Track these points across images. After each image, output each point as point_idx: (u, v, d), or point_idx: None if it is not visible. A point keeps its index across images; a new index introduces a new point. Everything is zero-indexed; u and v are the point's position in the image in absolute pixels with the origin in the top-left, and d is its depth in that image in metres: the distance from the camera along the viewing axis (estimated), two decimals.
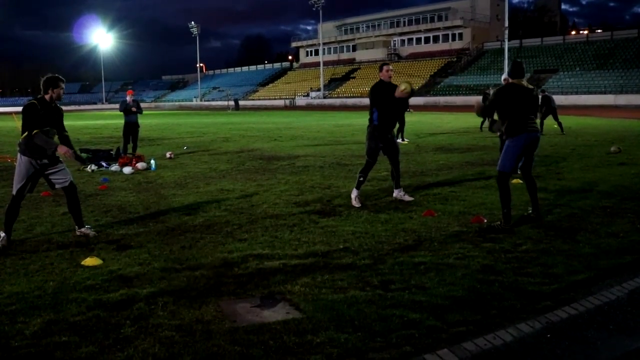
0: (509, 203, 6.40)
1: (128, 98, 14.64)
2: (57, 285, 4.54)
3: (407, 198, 8.08)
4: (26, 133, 5.80)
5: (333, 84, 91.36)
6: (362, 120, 35.93)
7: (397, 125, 19.18)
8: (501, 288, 4.48)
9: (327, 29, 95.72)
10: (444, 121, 32.41)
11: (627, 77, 55.50)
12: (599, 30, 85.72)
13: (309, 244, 5.77)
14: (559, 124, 19.80)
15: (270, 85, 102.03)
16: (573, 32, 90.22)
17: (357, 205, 7.67)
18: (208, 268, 4.95)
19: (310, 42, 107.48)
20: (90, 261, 5.10)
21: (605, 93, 52.66)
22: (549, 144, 16.28)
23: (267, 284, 4.56)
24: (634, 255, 5.31)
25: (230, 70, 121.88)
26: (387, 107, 7.84)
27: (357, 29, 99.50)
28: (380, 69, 8.02)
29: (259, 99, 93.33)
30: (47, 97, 5.92)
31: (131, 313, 3.92)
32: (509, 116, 6.44)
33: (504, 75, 11.03)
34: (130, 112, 14.32)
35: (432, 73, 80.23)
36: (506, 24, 57.46)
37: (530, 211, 6.78)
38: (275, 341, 3.49)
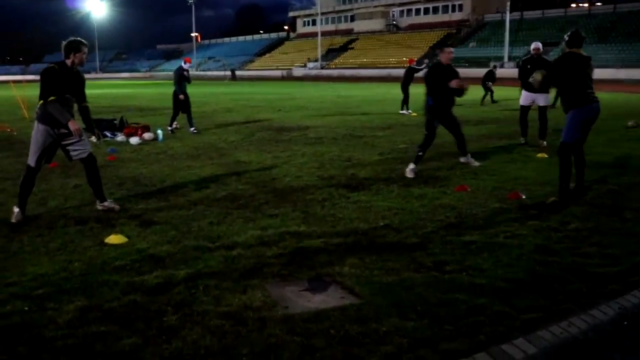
0: (569, 177, 6.09)
1: (185, 65, 13.35)
2: (83, 265, 4.19)
3: (475, 163, 8.42)
4: (42, 101, 5.39)
5: (331, 54, 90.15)
6: (364, 92, 35.45)
7: (402, 97, 18.85)
8: (561, 270, 4.17)
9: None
10: None
11: (629, 51, 54.85)
12: (599, 4, 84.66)
13: (346, 220, 5.43)
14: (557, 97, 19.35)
15: (267, 55, 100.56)
16: (573, 5, 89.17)
17: (410, 176, 7.56)
18: (244, 247, 4.61)
19: (307, 11, 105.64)
20: (114, 239, 4.75)
21: (606, 67, 51.94)
22: (562, 117, 15.91)
23: (311, 264, 4.23)
24: None
25: (226, 40, 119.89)
26: (442, 89, 7.85)
27: None
28: (442, 51, 8.09)
29: (256, 70, 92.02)
30: (68, 62, 5.50)
31: (171, 298, 3.58)
32: (571, 87, 6.05)
33: (533, 45, 10.69)
34: (184, 80, 13.27)
35: (432, 45, 79.14)
36: None
37: (572, 185, 6.42)
38: (336, 330, 3.17)
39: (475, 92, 27.71)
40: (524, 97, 10.95)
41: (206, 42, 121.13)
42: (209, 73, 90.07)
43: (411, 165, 7.76)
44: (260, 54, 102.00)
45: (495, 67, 25.34)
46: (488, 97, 22.46)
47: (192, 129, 13.11)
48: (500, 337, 3.15)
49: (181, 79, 13.12)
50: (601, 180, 7.27)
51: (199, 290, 3.70)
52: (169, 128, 13.19)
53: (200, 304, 3.48)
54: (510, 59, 61.04)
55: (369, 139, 11.91)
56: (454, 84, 7.69)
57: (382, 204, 6.07)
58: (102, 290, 3.70)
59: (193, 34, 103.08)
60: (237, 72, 75.19)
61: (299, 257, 4.39)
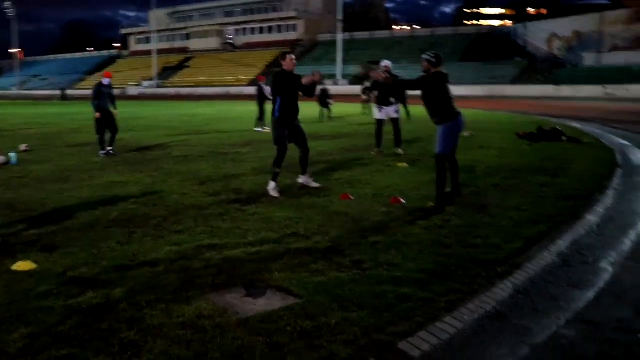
0: (444, 185, 6.72)
1: (105, 81, 12.28)
2: (3, 295, 3.94)
3: (314, 184, 8.07)
4: None
5: (166, 73, 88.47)
6: (207, 110, 35.36)
7: (258, 114, 19.30)
8: (460, 259, 4.78)
9: (158, 17, 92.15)
10: None
11: (447, 69, 60.61)
12: (417, 27, 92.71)
13: (253, 231, 5.63)
14: (407, 112, 21.11)
15: (98, 73, 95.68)
16: (397, 27, 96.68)
17: (276, 196, 7.42)
18: (167, 262, 4.62)
19: (141, 29, 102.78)
20: (23, 265, 4.48)
21: None
22: (406, 130, 17.35)
23: (240, 273, 4.39)
24: (544, 224, 5.95)
25: (52, 57, 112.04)
26: (289, 96, 7.68)
27: (191, 17, 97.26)
28: (284, 58, 7.84)
29: (87, 89, 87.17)
30: None
31: (119, 316, 3.55)
32: (440, 102, 6.75)
33: (384, 63, 11.75)
34: (106, 97, 12.12)
35: (268, 63, 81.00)
36: (340, 17, 59.98)
37: (449, 190, 7.17)
38: (292, 327, 3.41)
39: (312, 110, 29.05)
40: (378, 112, 11.95)
41: (30, 59, 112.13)
42: (35, 92, 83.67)
43: (272, 184, 7.61)
44: (91, 72, 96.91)
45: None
46: (326, 113, 23.47)
47: (110, 148, 12.28)
48: (432, 318, 3.61)
49: (98, 95, 12.11)
50: (462, 184, 8.19)
51: (143, 306, 3.71)
52: (102, 152, 12.21)
53: (152, 318, 3.50)
54: (343, 77, 64.48)
55: (234, 155, 12.12)
56: (306, 80, 7.52)
57: (279, 215, 6.35)
58: (40, 316, 3.54)
59: (14, 50, 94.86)
60: (68, 92, 70.69)
61: (225, 267, 4.53)
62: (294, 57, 7.94)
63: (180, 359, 3.02)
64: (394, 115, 11.88)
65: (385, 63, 11.92)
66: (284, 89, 7.65)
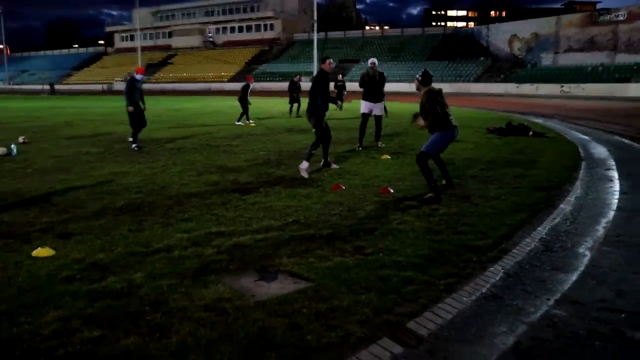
0: (432, 177, 6.76)
1: (138, 76, 11.86)
2: (28, 280, 3.86)
3: (334, 166, 9.08)
4: None
5: (150, 69, 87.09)
6: (192, 104, 34.94)
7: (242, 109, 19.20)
8: (452, 245, 4.84)
9: (142, 15, 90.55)
10: (269, 105, 32.70)
11: (416, 68, 61.06)
12: (387, 27, 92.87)
13: (256, 219, 5.61)
14: (385, 109, 21.13)
15: (86, 69, 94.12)
16: (367, 28, 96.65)
17: (305, 176, 8.08)
18: (181, 248, 4.59)
19: (125, 27, 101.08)
20: (43, 252, 4.40)
21: (399, 82, 57.42)
22: (384, 124, 17.41)
23: (251, 259, 4.38)
24: (525, 212, 6.05)
25: (40, 53, 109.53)
26: (325, 93, 8.71)
27: (173, 16, 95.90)
28: (324, 62, 8.81)
29: (75, 84, 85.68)
30: None
31: (143, 299, 3.51)
32: (437, 115, 6.77)
33: (371, 60, 11.74)
34: (137, 92, 11.69)
35: (247, 60, 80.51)
36: (315, 17, 59.67)
37: (443, 182, 7.27)
38: (308, 309, 3.42)
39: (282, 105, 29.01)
40: (365, 106, 11.92)
41: (18, 54, 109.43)
42: (24, 87, 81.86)
43: (305, 164, 8.31)
44: (79, 68, 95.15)
45: (299, 78, 23.07)
46: (295, 108, 22.16)
47: (134, 145, 11.80)
48: (434, 299, 3.66)
49: (132, 90, 11.67)
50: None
51: (164, 289, 3.68)
52: (133, 146, 11.76)
53: (175, 302, 3.48)
54: None
55: (226, 147, 12.02)
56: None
57: (279, 204, 6.33)
58: (67, 300, 3.49)
59: (3, 46, 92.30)
60: (56, 87, 69.24)
61: (237, 253, 4.51)
62: (331, 60, 8.94)
63: (207, 339, 3.01)
64: (378, 113, 11.94)
65: (372, 61, 11.87)
66: (324, 87, 8.60)
